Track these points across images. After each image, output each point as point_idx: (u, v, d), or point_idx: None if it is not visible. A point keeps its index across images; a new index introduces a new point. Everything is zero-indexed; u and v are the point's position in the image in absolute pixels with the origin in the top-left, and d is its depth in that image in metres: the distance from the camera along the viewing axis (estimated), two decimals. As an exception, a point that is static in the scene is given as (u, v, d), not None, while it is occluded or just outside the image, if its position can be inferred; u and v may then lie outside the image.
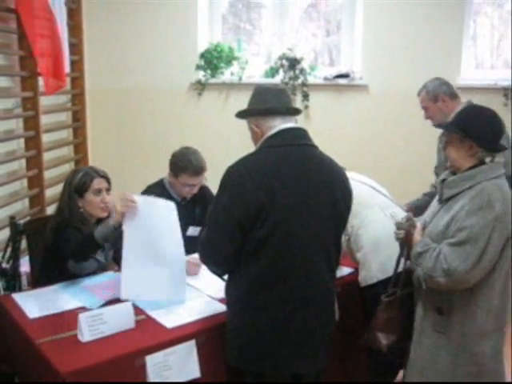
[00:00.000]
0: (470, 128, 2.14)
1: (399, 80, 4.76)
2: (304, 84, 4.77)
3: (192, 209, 3.14)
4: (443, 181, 2.26)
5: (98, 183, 2.71)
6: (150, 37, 4.72)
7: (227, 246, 2.05)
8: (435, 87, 3.36)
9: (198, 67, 4.77)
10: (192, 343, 2.23)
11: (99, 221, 2.77)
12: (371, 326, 2.40)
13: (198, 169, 2.96)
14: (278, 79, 4.80)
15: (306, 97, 4.78)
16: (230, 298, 2.17)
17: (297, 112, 2.22)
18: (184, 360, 2.20)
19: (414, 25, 4.76)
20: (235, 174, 2.05)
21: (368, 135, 4.74)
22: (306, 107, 4.79)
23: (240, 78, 4.75)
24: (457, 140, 2.19)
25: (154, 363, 2.13)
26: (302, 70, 4.76)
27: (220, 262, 2.12)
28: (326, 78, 4.84)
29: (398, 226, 2.32)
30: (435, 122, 3.17)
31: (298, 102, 4.80)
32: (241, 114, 2.24)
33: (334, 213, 2.13)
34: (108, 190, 2.75)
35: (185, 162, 2.94)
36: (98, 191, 2.71)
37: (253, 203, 1.99)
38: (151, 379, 2.12)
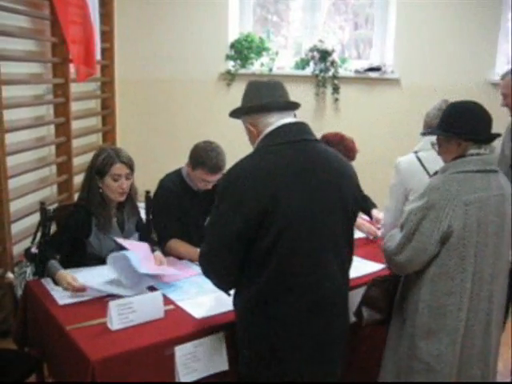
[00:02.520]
0: (453, 126, 2.13)
1: (431, 74, 4.70)
2: (335, 76, 4.72)
3: (210, 199, 3.11)
4: (436, 173, 2.24)
5: (117, 169, 2.68)
6: (180, 27, 4.70)
7: (228, 258, 1.92)
8: None
9: (228, 57, 4.74)
10: (221, 335, 2.21)
11: (121, 203, 2.78)
12: (360, 300, 2.38)
13: (216, 168, 2.85)
14: (308, 71, 4.76)
15: (336, 89, 4.73)
16: (240, 309, 2.04)
17: (295, 106, 2.05)
18: (212, 352, 2.18)
19: (447, 19, 4.69)
20: (233, 181, 1.91)
21: (399, 130, 4.68)
22: (337, 100, 4.74)
23: (270, 69, 4.71)
24: (444, 141, 2.19)
25: (183, 354, 2.12)
26: (332, 63, 4.71)
27: (222, 274, 1.99)
28: (357, 71, 4.79)
29: None
30: None
31: (328, 95, 4.76)
32: (234, 113, 2.08)
33: (343, 210, 1.99)
34: (129, 176, 2.72)
35: (204, 158, 2.86)
36: (118, 176, 2.68)
37: (254, 211, 1.83)
38: (179, 369, 2.10)
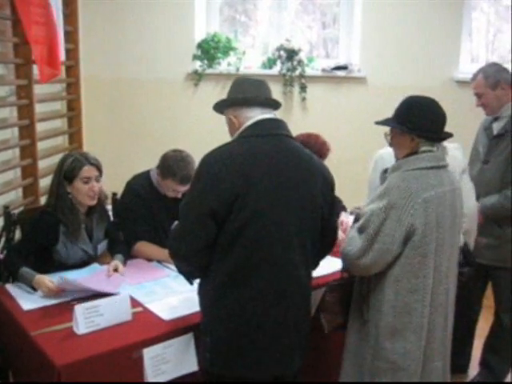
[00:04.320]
0: (408, 121, 2.14)
1: (397, 73, 4.75)
2: (302, 75, 4.72)
3: (178, 203, 3.08)
4: (385, 171, 2.25)
5: (87, 171, 2.64)
6: (146, 26, 4.65)
7: (200, 238, 1.94)
8: (495, 73, 2.99)
9: (195, 57, 4.71)
10: (190, 336, 2.20)
11: (90, 209, 2.73)
12: (316, 308, 2.40)
13: (186, 179, 2.80)
14: (275, 70, 4.75)
15: (303, 88, 4.74)
16: (203, 295, 2.07)
17: (277, 104, 2.13)
18: (182, 353, 2.17)
19: (412, 19, 4.74)
20: (210, 163, 1.97)
21: (365, 128, 4.68)
22: (304, 99, 4.75)
23: (237, 69, 4.69)
24: (398, 134, 2.20)
25: (152, 356, 2.10)
26: (299, 62, 4.71)
27: (191, 255, 1.99)
28: (324, 70, 4.80)
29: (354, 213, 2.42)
30: (489, 111, 3.05)
31: (295, 94, 4.77)
32: (218, 105, 2.17)
33: (311, 205, 2.05)
34: (98, 178, 2.69)
35: (174, 169, 2.82)
36: (87, 179, 2.64)
37: (228, 192, 1.90)
38: (148, 372, 2.09)
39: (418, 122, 2.14)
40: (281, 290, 2.00)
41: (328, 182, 2.13)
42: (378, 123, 2.28)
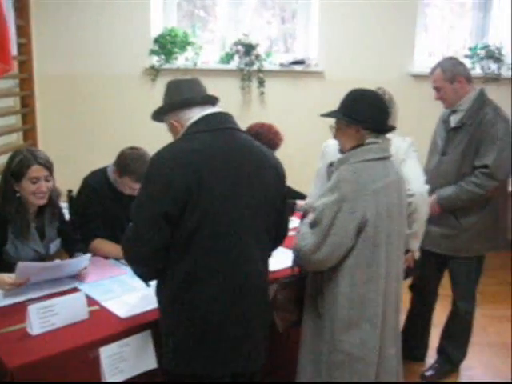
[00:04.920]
0: (354, 112, 2.18)
1: (354, 67, 4.80)
2: (260, 70, 4.73)
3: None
4: (331, 164, 2.27)
5: (35, 171, 2.53)
6: (101, 20, 4.57)
7: (154, 241, 1.89)
8: (452, 67, 3.03)
9: (152, 52, 4.66)
10: (148, 333, 2.17)
11: (41, 208, 2.65)
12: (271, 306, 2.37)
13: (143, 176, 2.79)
14: (233, 65, 4.75)
15: (261, 83, 4.75)
16: (161, 296, 2.03)
17: (215, 100, 2.09)
18: (140, 351, 2.14)
19: (369, 14, 4.80)
20: (160, 163, 1.91)
21: (323, 121, 4.73)
22: (262, 93, 4.76)
23: (195, 64, 4.67)
24: (344, 125, 2.23)
25: (109, 355, 2.07)
26: (257, 56, 4.72)
27: (147, 258, 1.94)
28: (281, 65, 4.82)
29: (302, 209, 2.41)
30: (447, 105, 3.09)
31: (253, 89, 4.77)
32: (157, 113, 2.10)
33: (265, 198, 2.02)
34: (48, 177, 2.58)
35: (131, 167, 2.77)
36: (35, 179, 2.53)
37: (180, 192, 1.85)
38: (106, 371, 2.05)
39: (363, 114, 2.18)
40: (241, 287, 1.97)
41: (279, 173, 2.11)
42: (323, 115, 2.29)
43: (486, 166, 2.89)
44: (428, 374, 3.27)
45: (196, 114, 2.00)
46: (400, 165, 2.65)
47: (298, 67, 4.81)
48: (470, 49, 5.15)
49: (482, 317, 3.95)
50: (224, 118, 2.04)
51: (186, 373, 1.99)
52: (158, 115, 2.12)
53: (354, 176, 2.11)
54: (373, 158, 2.16)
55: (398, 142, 2.66)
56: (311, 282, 2.28)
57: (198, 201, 1.87)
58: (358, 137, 2.20)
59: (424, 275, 3.20)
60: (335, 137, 2.30)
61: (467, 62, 5.02)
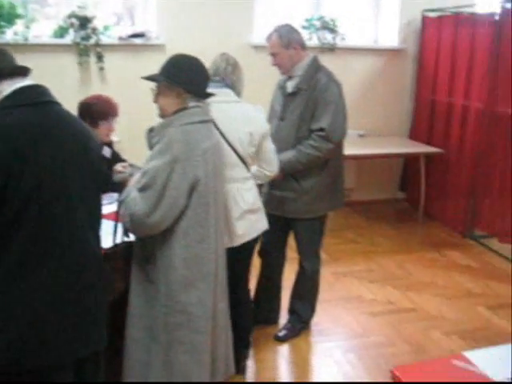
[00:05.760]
0: (176, 75, 2.19)
1: (196, 39, 4.76)
2: (98, 44, 4.53)
3: None
4: (151, 130, 2.27)
5: None
6: None
7: None
8: (288, 33, 3.06)
9: (-26, 26, 4.28)
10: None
11: None
12: None
13: None
14: (68, 39, 4.50)
15: (100, 58, 4.56)
16: None
17: (27, 71, 1.90)
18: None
19: (207, -15, 4.77)
20: None
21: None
22: (102, 69, 4.58)
23: (26, 38, 4.36)
24: (166, 89, 2.22)
25: None
26: (94, 30, 4.51)
27: None
28: (121, 38, 4.67)
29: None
30: (283, 71, 3.13)
31: (92, 64, 4.57)
32: None
33: (91, 171, 1.94)
34: None
35: None
36: None
37: (1, 172, 1.70)
38: None
39: (185, 77, 2.19)
40: (77, 268, 1.86)
41: (97, 145, 2.05)
42: (144, 78, 2.26)
43: (321, 129, 3.01)
44: (281, 334, 3.38)
45: (6, 87, 1.82)
46: (264, 138, 2.74)
47: (138, 41, 4.68)
48: (307, 20, 5.34)
49: (330, 274, 4.19)
50: (42, 91, 1.88)
51: (24, 368, 1.82)
52: None
53: (184, 137, 2.13)
54: (198, 121, 2.20)
55: (252, 112, 2.72)
56: (140, 250, 2.26)
57: (21, 180, 1.71)
58: (179, 100, 2.20)
59: (270, 239, 3.27)
60: (155, 101, 2.27)
61: (305, 33, 5.23)
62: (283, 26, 3.14)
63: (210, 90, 2.65)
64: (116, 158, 3.14)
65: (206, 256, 2.22)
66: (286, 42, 3.05)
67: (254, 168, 2.81)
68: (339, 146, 3.17)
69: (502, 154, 4.69)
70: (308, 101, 3.04)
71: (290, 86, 3.13)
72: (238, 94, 2.76)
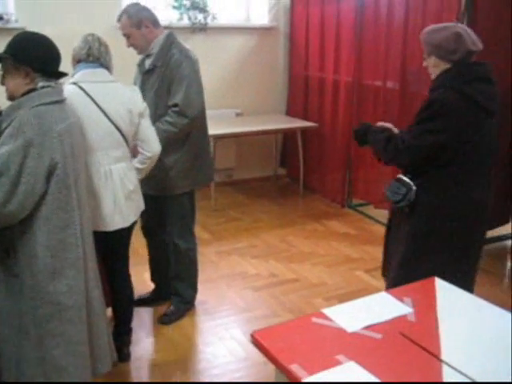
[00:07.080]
0: (23, 53, 2.08)
1: (59, 23, 4.56)
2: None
3: None
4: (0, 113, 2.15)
5: None
6: None
7: None
8: (137, 12, 3.01)
9: None
10: None
11: None
12: None
13: None
14: None
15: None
16: None
17: None
18: None
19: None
20: None
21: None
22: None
23: None
24: (12, 68, 2.10)
25: None
26: None
27: None
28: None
29: None
30: (139, 51, 3.07)
31: None
32: None
33: None
34: None
35: None
36: None
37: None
38: None
39: (34, 56, 2.07)
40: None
41: None
42: None
43: (176, 105, 2.99)
44: (165, 317, 3.33)
45: None
46: (141, 118, 2.71)
47: (-5, 24, 4.39)
48: (176, 0, 5.26)
49: (214, 254, 4.21)
50: None
51: None
52: None
53: (37, 119, 2.00)
54: (50, 102, 2.08)
55: (128, 92, 2.69)
56: None
57: None
58: (27, 81, 2.09)
59: (148, 219, 3.25)
60: (2, 82, 2.13)
61: (175, 13, 5.17)
62: (132, 6, 3.10)
63: (86, 70, 2.57)
64: None
65: (72, 242, 2.12)
66: (136, 21, 3.01)
67: (134, 160, 2.80)
68: (199, 121, 3.15)
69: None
70: (163, 77, 3.02)
71: (147, 63, 3.10)
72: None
